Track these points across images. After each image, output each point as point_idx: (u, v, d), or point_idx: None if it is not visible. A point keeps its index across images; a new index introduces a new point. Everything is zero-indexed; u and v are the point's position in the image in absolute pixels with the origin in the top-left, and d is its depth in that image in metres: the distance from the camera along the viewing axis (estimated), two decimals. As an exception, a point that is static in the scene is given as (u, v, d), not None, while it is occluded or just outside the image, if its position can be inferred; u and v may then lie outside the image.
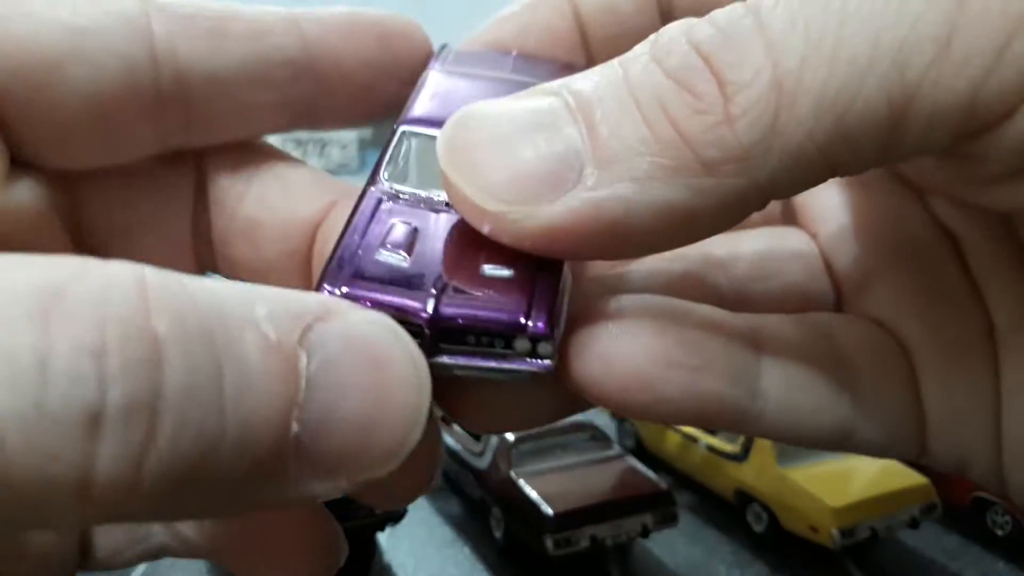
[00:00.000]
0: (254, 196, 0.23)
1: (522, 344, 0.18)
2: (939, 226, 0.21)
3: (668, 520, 0.57)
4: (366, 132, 1.38)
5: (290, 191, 0.23)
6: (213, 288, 0.14)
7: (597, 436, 0.64)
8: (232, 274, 0.24)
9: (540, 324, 0.17)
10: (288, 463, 0.14)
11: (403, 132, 0.22)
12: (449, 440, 0.68)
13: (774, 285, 0.23)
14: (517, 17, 0.25)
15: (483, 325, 0.18)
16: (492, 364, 0.18)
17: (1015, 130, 0.15)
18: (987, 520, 0.59)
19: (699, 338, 0.18)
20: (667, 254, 0.22)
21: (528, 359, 0.18)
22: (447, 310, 0.18)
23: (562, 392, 0.19)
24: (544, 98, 0.17)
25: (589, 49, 0.25)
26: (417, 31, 0.25)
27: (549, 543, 0.53)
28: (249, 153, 0.24)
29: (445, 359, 0.18)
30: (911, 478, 0.58)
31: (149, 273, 0.13)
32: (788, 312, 0.22)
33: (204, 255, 0.24)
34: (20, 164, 0.21)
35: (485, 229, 0.17)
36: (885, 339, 0.21)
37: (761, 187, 0.16)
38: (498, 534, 0.60)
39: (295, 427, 0.14)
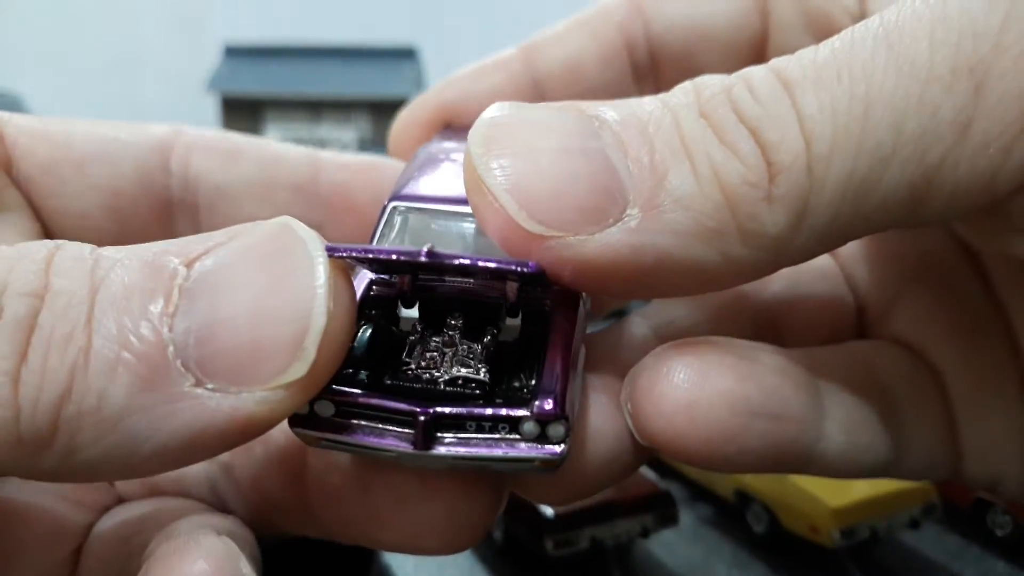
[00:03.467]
0: None
1: (530, 428, 0.16)
2: (961, 245, 0.21)
3: (668, 521, 0.56)
4: (366, 132, 1.38)
5: None
6: (124, 248, 0.15)
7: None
8: None
9: (548, 402, 0.15)
10: (172, 374, 0.14)
11: (393, 207, 0.20)
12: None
13: (805, 307, 0.23)
14: (465, 80, 0.26)
15: (482, 410, 0.16)
16: (497, 453, 0.16)
17: None
18: (987, 521, 0.59)
19: (775, 382, 0.18)
20: None
21: (538, 445, 0.16)
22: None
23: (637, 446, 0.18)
24: (590, 119, 0.16)
25: (658, 67, 0.25)
26: None
27: (549, 543, 0.53)
28: None
29: (442, 451, 0.16)
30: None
31: (66, 244, 0.15)
32: (817, 333, 0.22)
33: None
34: None
35: (514, 248, 0.16)
36: (919, 366, 0.21)
37: (781, 260, 0.16)
38: (498, 534, 0.59)
39: (167, 333, 0.14)
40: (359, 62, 1.79)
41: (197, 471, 0.22)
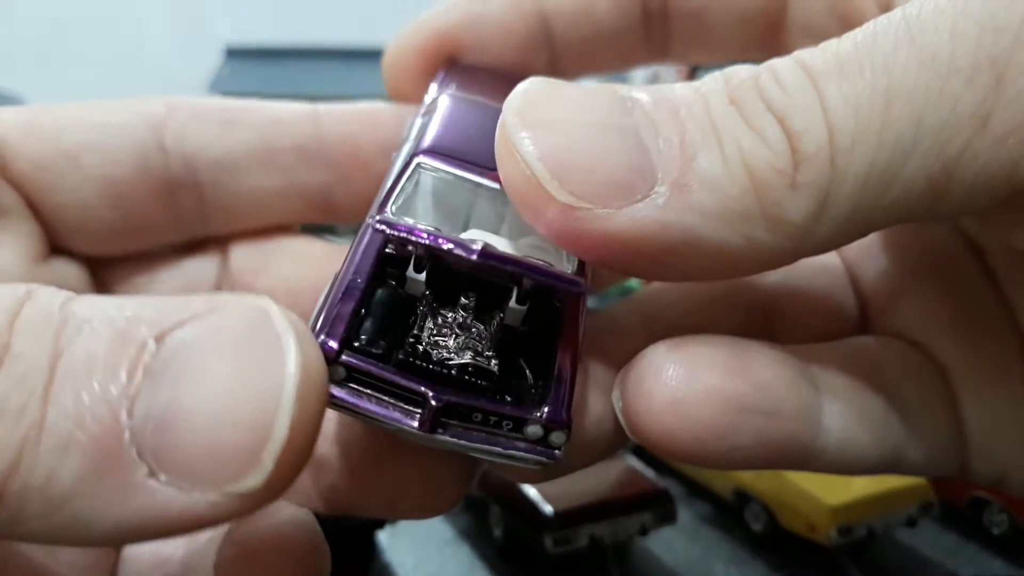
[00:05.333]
0: (271, 270, 0.24)
1: (534, 431, 0.16)
2: (966, 240, 0.21)
3: (667, 519, 0.57)
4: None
5: (303, 263, 0.24)
6: (99, 301, 0.14)
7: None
8: None
9: (558, 411, 0.16)
10: (126, 462, 0.13)
11: (418, 164, 0.19)
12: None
13: (802, 299, 0.23)
14: (468, 4, 0.24)
15: (493, 406, 0.16)
16: (496, 448, 0.16)
17: None
18: (984, 519, 0.60)
19: (767, 379, 0.18)
20: None
21: (537, 447, 0.16)
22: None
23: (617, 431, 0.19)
24: (624, 99, 0.17)
25: (555, 50, 0.24)
26: None
27: (548, 541, 0.53)
28: (269, 236, 0.25)
29: (445, 437, 0.16)
30: (908, 477, 0.58)
31: (38, 292, 0.14)
32: (818, 325, 0.22)
33: None
34: (57, 250, 0.23)
35: (541, 217, 0.16)
36: (924, 362, 0.21)
37: (803, 250, 0.16)
38: (497, 532, 0.60)
39: (125, 418, 0.13)
40: (360, 63, 1.79)
41: None
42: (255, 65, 1.79)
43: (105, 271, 0.24)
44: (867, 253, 0.23)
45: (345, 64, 1.79)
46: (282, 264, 0.24)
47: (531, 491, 0.57)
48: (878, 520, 0.56)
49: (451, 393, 0.16)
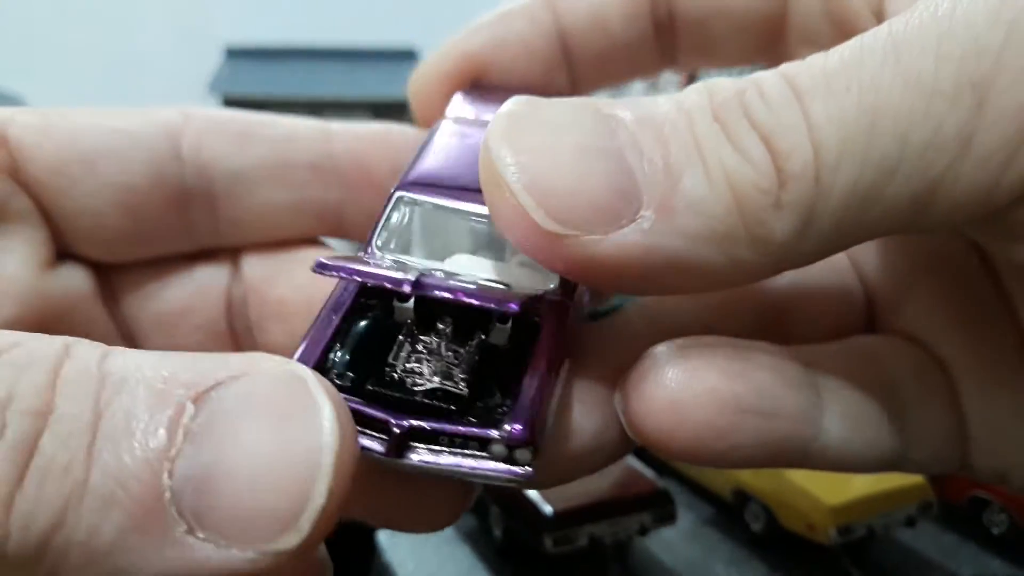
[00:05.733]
0: (283, 279, 0.24)
1: (498, 450, 0.16)
2: (970, 241, 0.21)
3: (666, 519, 0.57)
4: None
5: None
6: (134, 358, 0.15)
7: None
8: None
9: (517, 428, 0.16)
10: (166, 519, 0.13)
11: (399, 197, 0.20)
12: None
13: (810, 301, 0.23)
14: (491, 27, 0.25)
15: (455, 428, 0.16)
16: (466, 467, 0.16)
17: None
18: (983, 519, 0.60)
19: (766, 380, 0.18)
20: None
21: (506, 465, 0.16)
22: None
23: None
24: (607, 118, 0.17)
25: (573, 64, 0.25)
26: None
27: (548, 541, 0.53)
28: (282, 245, 0.25)
29: (414, 459, 0.16)
30: (908, 477, 0.58)
31: (75, 348, 0.14)
32: (825, 325, 0.22)
33: (243, 341, 0.25)
34: (67, 256, 0.22)
35: (527, 244, 0.16)
36: (926, 360, 0.21)
37: (783, 265, 0.17)
38: (497, 532, 0.60)
39: (166, 479, 0.13)
40: (360, 63, 1.79)
41: None
42: (255, 65, 1.79)
43: (113, 277, 0.23)
44: (873, 252, 0.23)
45: (345, 64, 1.79)
46: (295, 273, 0.24)
47: (531, 492, 0.57)
48: (878, 520, 0.56)
49: (415, 418, 0.16)
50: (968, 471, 0.20)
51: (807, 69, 0.16)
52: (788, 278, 0.23)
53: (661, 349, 0.18)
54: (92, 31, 1.81)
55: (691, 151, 0.16)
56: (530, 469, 0.16)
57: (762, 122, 0.16)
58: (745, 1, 0.24)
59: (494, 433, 0.16)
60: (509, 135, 0.16)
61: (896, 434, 0.19)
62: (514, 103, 0.17)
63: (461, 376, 0.17)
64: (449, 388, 0.17)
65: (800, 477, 0.58)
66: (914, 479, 0.58)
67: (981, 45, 0.15)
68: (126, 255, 0.23)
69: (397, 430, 0.16)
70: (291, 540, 0.14)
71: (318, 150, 0.24)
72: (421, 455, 0.16)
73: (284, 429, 0.14)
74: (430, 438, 0.16)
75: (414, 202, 0.20)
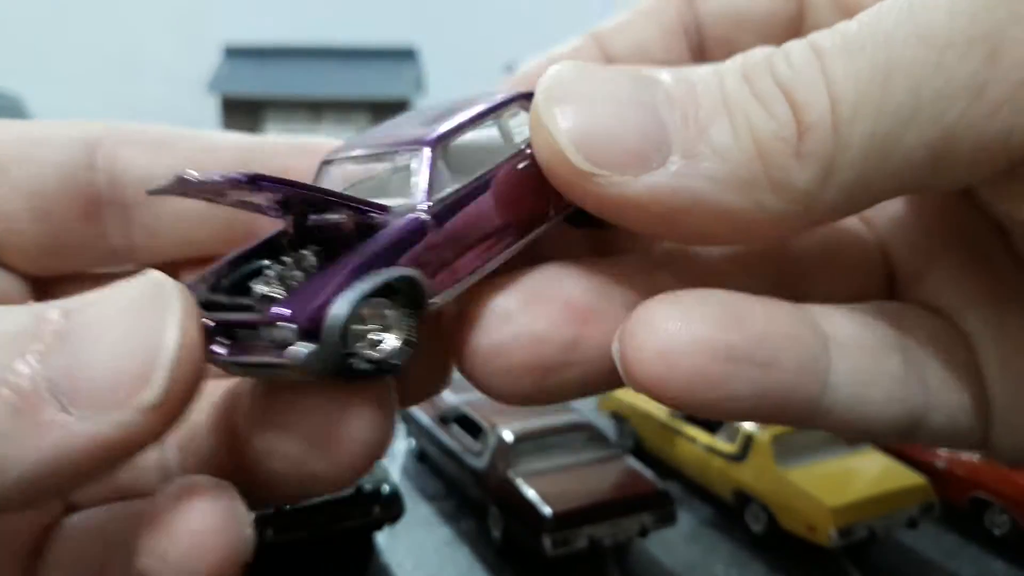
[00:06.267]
0: None
1: (279, 334, 0.16)
2: (991, 220, 0.21)
3: (666, 520, 0.57)
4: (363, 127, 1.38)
5: None
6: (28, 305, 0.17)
7: (595, 436, 0.64)
8: None
9: (294, 311, 0.16)
10: (40, 400, 0.15)
11: (321, 163, 0.23)
12: (447, 441, 0.68)
13: (832, 264, 0.23)
14: (631, 28, 0.27)
15: (243, 317, 0.18)
16: (258, 359, 0.17)
17: None
18: (985, 520, 0.60)
19: (763, 332, 0.18)
20: None
21: (285, 350, 0.16)
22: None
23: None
24: (646, 78, 0.18)
25: (705, 50, 0.26)
26: None
27: (547, 543, 0.53)
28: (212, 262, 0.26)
29: (225, 357, 0.18)
30: (909, 478, 0.58)
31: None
32: (845, 291, 0.22)
33: None
34: (2, 266, 0.23)
35: (567, 182, 0.18)
36: (948, 329, 0.21)
37: (812, 215, 0.17)
38: (496, 534, 0.60)
39: (38, 367, 0.16)
40: (359, 63, 1.79)
41: (147, 466, 0.22)
42: (255, 65, 1.79)
43: (47, 290, 0.24)
44: (899, 225, 0.24)
45: (344, 64, 1.79)
46: None
47: (530, 492, 0.56)
48: (878, 521, 0.56)
49: (219, 317, 0.18)
50: (989, 449, 0.21)
51: (830, 33, 0.17)
52: (812, 243, 0.23)
53: (655, 300, 0.18)
54: (92, 31, 1.81)
55: (719, 105, 0.17)
56: (302, 353, 0.16)
57: (785, 80, 0.17)
58: (764, 12, 0.26)
59: (257, 317, 0.17)
60: (555, 88, 0.18)
61: (912, 399, 0.19)
62: (562, 64, 0.19)
63: (293, 283, 0.19)
64: (267, 292, 0.18)
65: (801, 478, 0.57)
66: (916, 480, 0.58)
67: None
68: (48, 266, 0.24)
69: (211, 323, 0.18)
70: (148, 396, 0.16)
71: (233, 159, 0.25)
72: (231, 351, 0.18)
73: (137, 312, 0.16)
74: (233, 335, 0.18)
75: (331, 162, 0.22)
